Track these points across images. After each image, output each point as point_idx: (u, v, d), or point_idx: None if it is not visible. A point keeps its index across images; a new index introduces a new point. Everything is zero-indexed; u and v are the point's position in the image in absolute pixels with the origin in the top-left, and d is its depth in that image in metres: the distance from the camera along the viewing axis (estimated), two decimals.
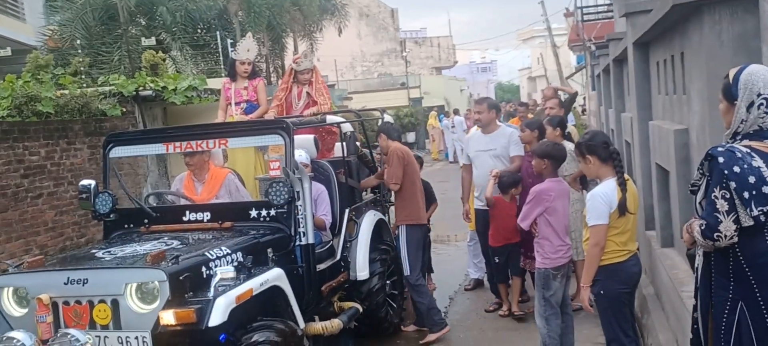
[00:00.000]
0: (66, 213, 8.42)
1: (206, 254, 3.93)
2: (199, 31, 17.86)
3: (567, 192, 4.82)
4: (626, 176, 3.78)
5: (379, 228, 5.78)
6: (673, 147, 4.33)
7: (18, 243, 7.80)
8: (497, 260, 5.81)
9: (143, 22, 17.17)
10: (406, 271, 5.50)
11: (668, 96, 4.92)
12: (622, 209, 3.65)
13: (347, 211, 5.48)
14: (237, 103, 6.38)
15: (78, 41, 15.31)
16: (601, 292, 3.70)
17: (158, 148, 5.10)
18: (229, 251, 4.06)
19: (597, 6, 18.38)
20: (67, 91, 9.29)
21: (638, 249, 4.15)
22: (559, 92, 8.81)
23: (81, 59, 13.22)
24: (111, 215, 4.80)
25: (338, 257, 5.17)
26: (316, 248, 4.77)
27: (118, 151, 5.02)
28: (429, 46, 52.57)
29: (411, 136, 27.83)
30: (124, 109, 9.95)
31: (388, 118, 6.58)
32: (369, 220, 5.61)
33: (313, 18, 22.46)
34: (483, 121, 5.97)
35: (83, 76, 12.17)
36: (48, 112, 8.58)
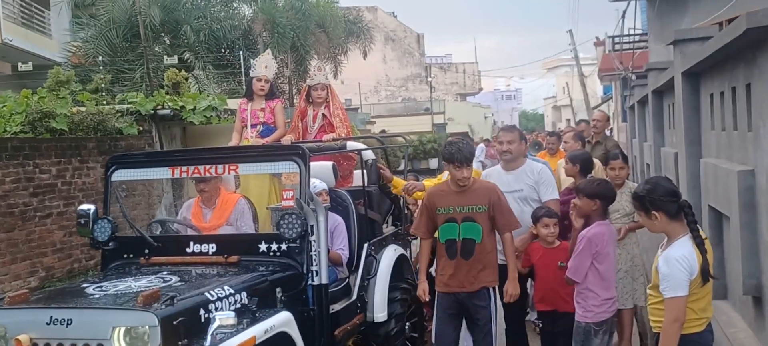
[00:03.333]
0: (75, 234, 8.12)
1: (206, 294, 3.52)
2: (222, 50, 17.75)
3: (615, 236, 4.30)
4: (702, 231, 3.10)
5: (400, 265, 5.33)
6: (735, 190, 3.82)
7: (23, 265, 7.52)
8: (542, 326, 4.65)
9: (167, 41, 17.11)
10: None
11: (725, 132, 4.43)
12: (706, 275, 2.98)
13: (366, 245, 5.06)
14: (253, 126, 6.00)
15: (100, 58, 15.24)
16: None
17: (163, 173, 4.75)
18: (233, 291, 3.65)
19: (632, 36, 17.83)
20: (83, 108, 9.06)
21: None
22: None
23: (103, 76, 13.09)
24: (110, 243, 4.45)
25: (354, 296, 4.74)
26: (331, 287, 4.36)
27: (121, 174, 4.66)
28: (454, 72, 52.41)
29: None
30: (141, 128, 9.70)
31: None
32: (389, 256, 5.17)
33: (338, 40, 22.27)
34: (513, 153, 4.87)
35: (104, 93, 12.01)
36: (62, 129, 8.33)
